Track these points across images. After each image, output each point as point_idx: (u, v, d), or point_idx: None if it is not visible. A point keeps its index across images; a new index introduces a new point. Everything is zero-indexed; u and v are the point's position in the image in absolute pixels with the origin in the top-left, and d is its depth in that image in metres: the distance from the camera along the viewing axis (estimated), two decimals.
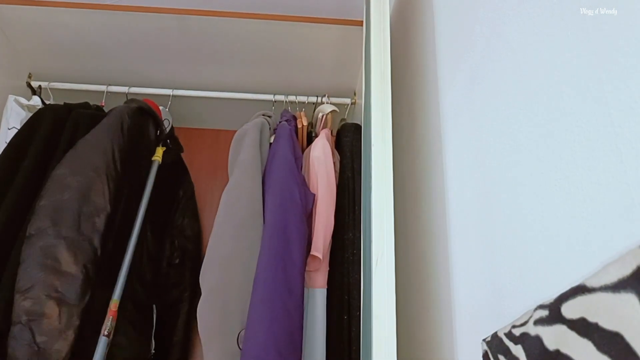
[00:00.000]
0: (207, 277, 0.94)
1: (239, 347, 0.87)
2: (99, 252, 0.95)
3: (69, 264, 0.90)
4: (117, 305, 1.00)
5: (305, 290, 1.02)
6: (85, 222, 0.95)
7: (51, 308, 0.86)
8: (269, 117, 1.25)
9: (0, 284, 0.91)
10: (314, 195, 1.07)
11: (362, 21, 1.19)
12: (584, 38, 0.43)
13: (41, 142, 1.08)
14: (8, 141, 1.17)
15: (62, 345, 0.85)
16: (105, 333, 0.95)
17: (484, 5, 0.67)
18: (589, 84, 0.42)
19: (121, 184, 1.06)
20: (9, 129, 1.23)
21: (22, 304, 0.85)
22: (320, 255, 0.98)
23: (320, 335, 0.96)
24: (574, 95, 0.44)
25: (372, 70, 0.88)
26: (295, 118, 1.26)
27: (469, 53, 0.73)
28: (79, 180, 0.97)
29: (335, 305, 0.99)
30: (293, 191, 1.01)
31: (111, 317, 0.98)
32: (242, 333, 0.88)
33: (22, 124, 1.21)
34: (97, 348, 0.93)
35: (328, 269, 1.04)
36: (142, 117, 1.22)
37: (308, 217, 1.04)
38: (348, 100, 1.43)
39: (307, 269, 1.01)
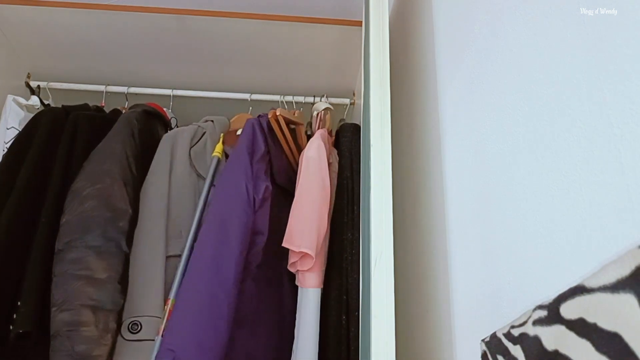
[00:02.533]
0: None
1: (122, 336, 0.90)
2: (128, 253, 0.97)
3: (101, 270, 0.92)
4: (174, 304, 0.98)
5: (299, 290, 1.02)
6: (110, 227, 0.96)
7: (87, 316, 0.88)
8: (212, 120, 1.28)
9: (23, 292, 0.92)
10: (267, 185, 1.09)
11: (361, 21, 1.20)
12: (584, 38, 0.43)
13: (40, 147, 1.08)
14: (7, 141, 1.17)
15: (102, 351, 0.87)
16: (163, 334, 0.93)
17: (483, 5, 0.67)
18: (588, 85, 0.42)
19: (139, 187, 1.08)
20: (8, 129, 1.23)
21: (60, 317, 0.87)
22: (312, 253, 0.97)
23: (312, 335, 0.96)
24: (573, 95, 0.44)
25: (371, 71, 0.88)
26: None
27: (467, 53, 0.73)
28: (97, 188, 0.99)
29: (334, 306, 0.99)
30: (238, 182, 1.03)
31: (168, 318, 0.95)
32: (126, 322, 0.91)
33: (21, 126, 1.21)
34: (154, 349, 0.92)
35: (324, 268, 1.04)
36: (150, 120, 1.22)
37: (259, 208, 1.05)
38: (347, 101, 1.43)
39: (299, 268, 1.01)
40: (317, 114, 1.28)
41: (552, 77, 0.48)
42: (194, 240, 1.06)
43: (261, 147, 1.14)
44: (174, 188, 1.10)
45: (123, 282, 0.94)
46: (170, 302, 0.97)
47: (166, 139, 1.17)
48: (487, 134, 0.64)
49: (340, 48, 1.36)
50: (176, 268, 1.02)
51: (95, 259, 0.92)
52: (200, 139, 1.21)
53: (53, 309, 0.88)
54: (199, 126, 1.24)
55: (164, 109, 1.37)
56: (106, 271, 0.92)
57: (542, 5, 0.51)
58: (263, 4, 1.31)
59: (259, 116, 1.22)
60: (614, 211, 0.37)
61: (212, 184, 1.16)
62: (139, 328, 0.91)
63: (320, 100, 1.38)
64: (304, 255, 0.99)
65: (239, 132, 1.28)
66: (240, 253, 0.96)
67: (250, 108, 1.39)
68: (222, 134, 1.28)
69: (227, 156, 1.26)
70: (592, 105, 0.41)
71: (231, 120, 1.34)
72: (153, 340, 0.92)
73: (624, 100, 0.37)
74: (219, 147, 1.23)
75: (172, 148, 1.15)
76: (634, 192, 0.35)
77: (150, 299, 0.95)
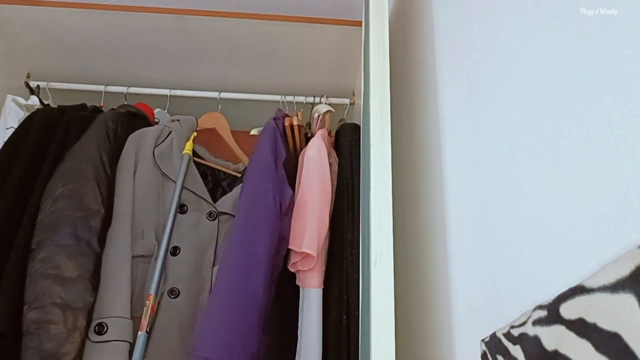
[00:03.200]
0: None
1: (89, 338, 0.89)
2: (99, 252, 0.97)
3: (70, 269, 0.92)
4: (156, 300, 0.98)
5: (300, 290, 1.02)
6: (81, 226, 0.97)
7: (56, 314, 0.88)
8: (178, 120, 1.27)
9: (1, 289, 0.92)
10: (292, 192, 1.08)
11: (361, 21, 1.20)
12: (583, 38, 0.43)
13: (31, 147, 1.08)
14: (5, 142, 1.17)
15: (70, 348, 0.87)
16: (147, 330, 0.94)
17: (483, 5, 0.68)
18: (588, 85, 0.42)
19: (113, 187, 1.08)
20: (7, 129, 1.23)
21: (29, 315, 0.88)
22: (314, 253, 0.98)
23: (315, 335, 0.96)
24: (573, 96, 0.44)
25: (371, 71, 0.88)
26: (286, 117, 1.27)
27: (467, 54, 0.73)
28: (69, 188, 0.99)
29: (334, 305, 0.99)
30: (265, 188, 1.03)
31: (152, 314, 0.96)
32: (92, 324, 0.90)
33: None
34: (136, 344, 0.93)
35: (324, 268, 1.04)
36: (133, 121, 1.22)
37: (284, 214, 1.05)
38: (347, 101, 1.43)
39: (300, 268, 1.01)
40: (319, 116, 1.28)
41: (552, 77, 0.48)
42: (169, 239, 1.06)
43: (283, 152, 1.14)
44: (137, 188, 1.10)
45: (94, 280, 0.94)
46: (151, 297, 0.97)
47: (131, 140, 1.17)
48: (487, 133, 0.64)
49: (340, 48, 1.36)
50: (138, 268, 1.02)
51: (64, 258, 0.92)
52: (165, 138, 1.21)
53: (25, 308, 0.89)
54: (165, 126, 1.24)
55: (155, 110, 1.37)
56: (76, 270, 0.92)
57: (542, 5, 0.51)
58: (263, 4, 1.31)
59: (275, 119, 1.21)
60: (614, 211, 0.37)
61: (183, 183, 1.15)
62: (105, 329, 0.91)
63: (320, 101, 1.38)
64: (306, 256, 1.00)
65: (252, 132, 1.28)
66: (269, 261, 0.96)
67: (220, 106, 1.39)
68: (193, 133, 1.28)
69: (196, 154, 1.27)
70: (592, 105, 0.41)
71: (199, 119, 1.34)
72: (120, 341, 0.92)
73: (624, 100, 0.37)
74: (188, 144, 1.22)
75: (136, 149, 1.15)
76: (634, 192, 0.35)
77: (116, 300, 0.95)
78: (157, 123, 1.36)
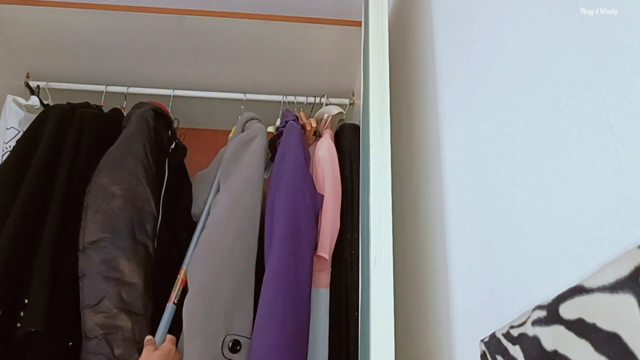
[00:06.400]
0: (199, 273, 0.92)
1: (222, 353, 0.85)
2: (153, 257, 0.97)
3: (131, 273, 0.92)
4: (187, 275, 0.95)
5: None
6: (138, 229, 0.96)
7: (124, 320, 0.88)
8: (259, 120, 1.25)
9: (32, 285, 0.90)
10: (322, 196, 1.07)
11: (360, 22, 1.20)
12: (583, 38, 0.43)
13: (48, 143, 1.08)
14: (6, 141, 1.18)
15: (137, 357, 0.87)
16: (175, 301, 0.93)
17: (482, 5, 0.67)
18: (588, 85, 0.42)
19: (158, 188, 1.07)
20: (7, 129, 1.23)
21: (95, 319, 0.87)
22: (326, 256, 0.98)
23: (322, 335, 0.96)
24: (572, 96, 0.44)
25: (371, 71, 0.88)
26: (298, 118, 1.26)
27: (467, 53, 0.73)
28: (122, 188, 0.98)
29: (333, 306, 0.99)
30: (304, 192, 1.02)
31: (182, 286, 0.95)
32: (228, 338, 0.86)
33: (21, 126, 1.22)
34: (164, 315, 0.91)
35: (330, 269, 1.04)
36: (158, 120, 1.22)
37: (316, 218, 1.04)
38: (346, 101, 1.43)
39: (314, 268, 1.01)
40: (328, 117, 1.28)
41: (551, 77, 0.48)
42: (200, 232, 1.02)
43: (309, 154, 1.13)
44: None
45: (150, 286, 0.94)
46: (183, 272, 0.97)
47: (262, 134, 1.12)
48: (487, 134, 0.64)
49: (340, 48, 1.36)
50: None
51: (125, 262, 0.91)
52: None
53: (87, 310, 0.87)
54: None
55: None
56: (137, 274, 0.92)
57: (542, 5, 0.51)
58: (263, 4, 1.31)
59: (293, 120, 1.21)
60: (614, 211, 0.37)
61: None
62: (239, 348, 0.86)
63: (320, 101, 1.38)
64: (318, 257, 1.00)
65: (269, 129, 1.27)
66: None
67: (242, 107, 1.38)
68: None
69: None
70: (591, 105, 0.41)
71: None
72: None
73: (623, 100, 0.37)
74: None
75: (265, 146, 1.11)
76: (634, 192, 0.35)
77: (250, 321, 0.91)
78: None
